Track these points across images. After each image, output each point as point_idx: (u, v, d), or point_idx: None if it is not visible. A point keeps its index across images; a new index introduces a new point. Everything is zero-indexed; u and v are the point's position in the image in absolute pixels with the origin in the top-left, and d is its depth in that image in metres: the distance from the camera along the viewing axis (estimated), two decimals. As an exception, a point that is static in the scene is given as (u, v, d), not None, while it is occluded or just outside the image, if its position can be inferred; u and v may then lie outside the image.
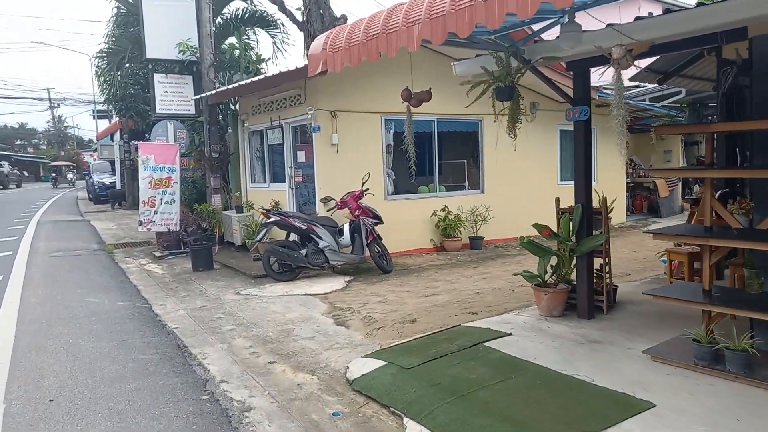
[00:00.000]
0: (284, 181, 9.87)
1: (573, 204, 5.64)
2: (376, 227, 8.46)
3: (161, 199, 10.47)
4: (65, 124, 76.66)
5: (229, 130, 10.90)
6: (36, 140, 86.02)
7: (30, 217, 18.69)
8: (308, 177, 9.83)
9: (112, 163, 27.54)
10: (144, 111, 18.85)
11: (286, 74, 8.26)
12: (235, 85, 9.55)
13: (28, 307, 6.69)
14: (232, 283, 8.06)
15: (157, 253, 10.40)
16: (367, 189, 8.59)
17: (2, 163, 47.02)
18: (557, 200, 6.13)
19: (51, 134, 77.40)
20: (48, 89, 63.63)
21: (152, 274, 8.82)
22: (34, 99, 55.41)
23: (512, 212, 10.82)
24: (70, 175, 48.08)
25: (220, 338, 5.51)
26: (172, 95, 11.33)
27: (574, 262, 5.41)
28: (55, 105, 66.70)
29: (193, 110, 11.50)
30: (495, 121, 4.94)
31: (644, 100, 12.24)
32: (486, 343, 4.67)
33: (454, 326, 5.38)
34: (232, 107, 11.66)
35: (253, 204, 10.12)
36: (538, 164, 11.52)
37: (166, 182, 10.49)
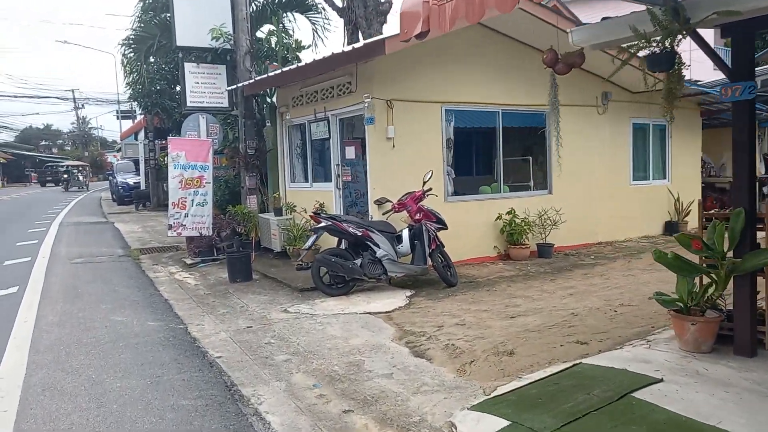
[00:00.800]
0: (329, 181, 8.80)
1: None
2: (438, 233, 7.35)
3: (192, 200, 9.48)
4: (89, 125, 76.99)
5: (268, 123, 9.86)
6: (60, 141, 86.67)
7: (52, 218, 17.93)
8: (358, 176, 8.75)
9: (136, 162, 26.84)
10: (170, 107, 18.02)
11: (339, 57, 7.19)
12: (276, 72, 8.50)
13: (44, 328, 5.70)
14: (277, 297, 7.00)
15: (188, 260, 9.41)
16: (430, 189, 7.47)
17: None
18: (700, 202, 4.91)
19: (75, 135, 77.78)
20: (72, 90, 63.72)
21: (184, 286, 7.81)
22: (58, 99, 55.25)
23: (580, 216, 9.62)
24: (80, 177, 41.40)
25: (275, 373, 4.44)
26: (203, 87, 10.34)
27: (730, 283, 4.22)
28: (80, 106, 66.90)
29: (226, 103, 10.50)
30: (670, 120, 3.75)
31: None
32: (635, 394, 3.51)
33: (574, 364, 4.22)
34: (269, 100, 10.64)
35: (294, 206, 9.06)
36: (607, 162, 10.29)
37: (197, 182, 9.50)
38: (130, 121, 43.24)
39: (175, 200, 9.37)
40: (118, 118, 56.16)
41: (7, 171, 60.04)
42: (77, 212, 21.33)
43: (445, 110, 8.32)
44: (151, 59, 14.13)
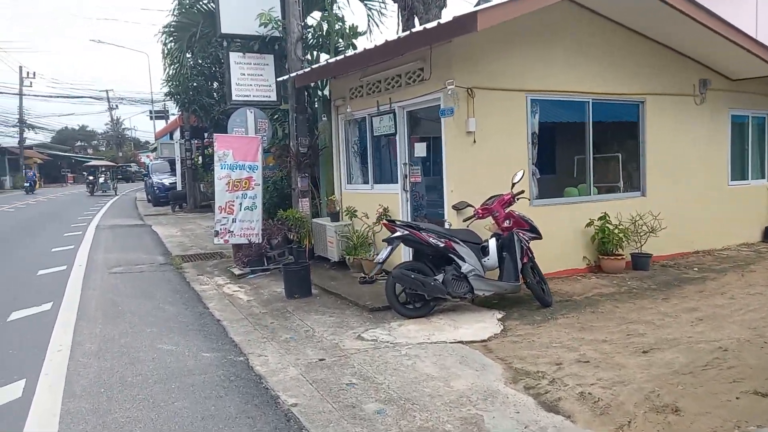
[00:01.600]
0: (394, 182, 7.79)
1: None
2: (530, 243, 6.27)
3: (240, 204, 8.57)
4: (123, 126, 77.81)
5: (324, 118, 8.88)
6: (95, 142, 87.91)
7: (88, 221, 17.36)
8: (429, 177, 7.72)
9: (172, 163, 26.30)
10: (208, 105, 17.27)
11: (413, 38, 6.15)
12: (335, 59, 7.51)
13: (80, 360, 4.81)
14: (345, 318, 6.01)
15: (236, 271, 8.50)
16: (522, 192, 6.39)
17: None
18: None
19: (110, 136, 78.68)
20: (107, 91, 64.26)
21: (236, 302, 6.89)
22: (92, 98, 55.60)
23: (677, 221, 8.39)
24: (102, 179, 34.92)
25: (372, 433, 3.44)
26: (250, 78, 9.43)
27: None
28: (114, 106, 67.48)
29: (274, 97, 9.58)
30: None
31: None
32: None
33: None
34: (320, 93, 9.67)
35: (355, 211, 8.07)
36: (705, 160, 9.04)
37: (246, 183, 8.59)
38: (164, 121, 43.08)
39: (221, 204, 8.48)
40: (151, 118, 56.36)
41: (44, 171, 60.73)
42: (113, 214, 20.80)
43: (531, 100, 7.22)
44: (188, 55, 13.36)
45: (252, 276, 8.32)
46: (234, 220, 8.56)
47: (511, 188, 6.35)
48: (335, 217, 8.46)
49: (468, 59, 6.69)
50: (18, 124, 51.30)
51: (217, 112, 17.20)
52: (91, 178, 34.11)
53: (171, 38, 9.07)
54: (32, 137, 59.15)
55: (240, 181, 8.55)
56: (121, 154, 73.37)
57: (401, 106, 7.48)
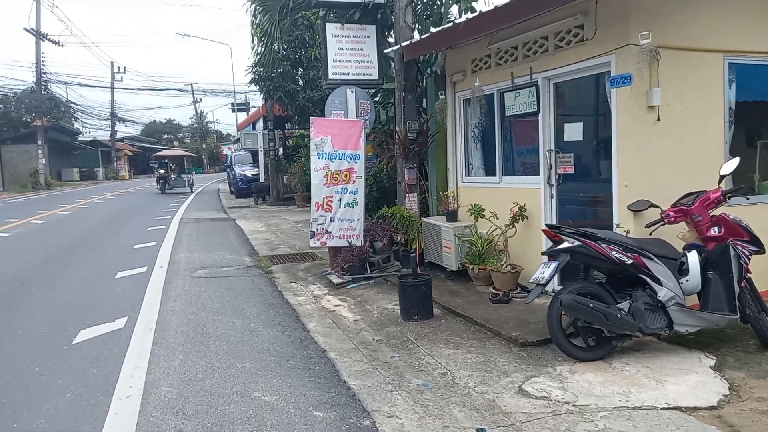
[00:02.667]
0: (532, 173, 6.20)
1: None
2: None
3: (340, 200, 7.27)
4: (206, 119, 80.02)
5: (442, 96, 7.35)
6: (181, 135, 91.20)
7: (173, 213, 16.84)
8: (581, 166, 6.05)
9: (254, 154, 25.76)
10: (293, 91, 16.22)
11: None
12: (466, 18, 5.94)
13: (153, 415, 3.59)
14: (488, 355, 4.51)
15: (334, 279, 7.20)
16: (741, 188, 4.65)
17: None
18: None
19: (194, 128, 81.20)
20: (191, 85, 65.93)
21: (340, 321, 5.56)
22: (178, 91, 56.99)
23: None
24: (175, 174, 29.96)
25: None
26: (348, 54, 8.09)
27: None
28: (198, 99, 69.30)
29: (375, 74, 8.19)
30: None
31: None
32: None
33: None
34: (430, 69, 8.17)
35: (482, 209, 6.52)
36: None
37: (346, 176, 7.26)
38: (245, 113, 43.22)
39: (318, 200, 7.20)
40: (233, 110, 57.13)
41: (134, 163, 63.25)
42: (197, 206, 20.36)
43: (729, 64, 5.38)
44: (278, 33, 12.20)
45: (353, 285, 6.99)
46: (332, 219, 7.26)
47: (719, 182, 4.61)
48: (451, 216, 6.97)
49: (651, 9, 4.97)
50: (110, 117, 53.39)
51: (303, 99, 16.13)
52: (162, 171, 28.28)
53: (261, 8, 7.96)
54: (123, 130, 61.68)
55: (339, 173, 7.23)
56: (204, 146, 75.46)
57: (547, 77, 5.84)
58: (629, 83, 4.90)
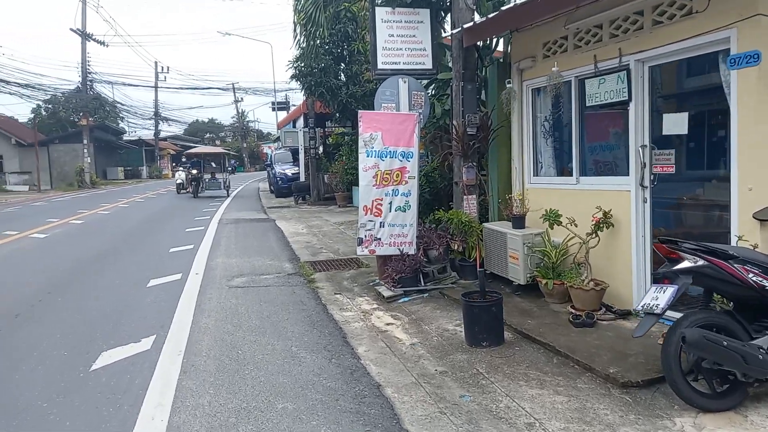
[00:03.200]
0: (621, 173, 5.30)
1: None
2: None
3: (390, 203, 6.49)
4: (247, 118, 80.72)
5: (509, 84, 6.45)
6: (222, 134, 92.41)
7: (212, 213, 16.42)
8: (683, 164, 5.13)
9: (295, 152, 25.29)
10: (335, 87, 15.56)
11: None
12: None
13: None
14: (582, 398, 3.65)
15: (384, 291, 6.43)
16: None
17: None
18: None
19: (235, 127, 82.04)
20: (233, 84, 66.43)
21: (395, 346, 4.78)
22: (219, 89, 57.56)
23: None
24: (209, 175, 25.90)
25: None
26: (399, 41, 7.31)
27: None
28: (239, 99, 69.85)
29: (429, 63, 7.38)
30: None
31: None
32: None
33: None
34: (488, 59, 7.31)
35: (559, 216, 5.62)
36: None
37: (397, 176, 6.48)
38: (285, 112, 43.02)
39: (367, 203, 6.44)
40: (273, 109, 57.14)
41: (176, 162, 64.15)
42: (237, 205, 19.97)
43: None
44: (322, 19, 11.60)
45: (405, 299, 6.21)
46: (382, 224, 6.49)
47: None
48: (518, 222, 6.10)
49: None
50: (154, 116, 54.15)
51: (345, 94, 15.45)
52: (194, 172, 24.11)
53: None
54: (166, 129, 62.61)
55: (390, 173, 6.46)
56: (245, 145, 76.10)
57: (641, 60, 4.93)
58: (757, 62, 3.96)
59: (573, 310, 5.15)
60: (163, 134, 61.02)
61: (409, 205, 6.53)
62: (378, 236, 6.47)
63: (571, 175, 5.88)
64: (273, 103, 59.24)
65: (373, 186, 6.42)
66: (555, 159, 6.31)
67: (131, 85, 74.93)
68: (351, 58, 15.73)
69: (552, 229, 5.67)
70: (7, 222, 15.24)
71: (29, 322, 5.65)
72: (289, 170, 24.09)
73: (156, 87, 52.76)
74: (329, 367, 4.34)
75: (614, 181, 5.35)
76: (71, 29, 33.60)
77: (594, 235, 5.25)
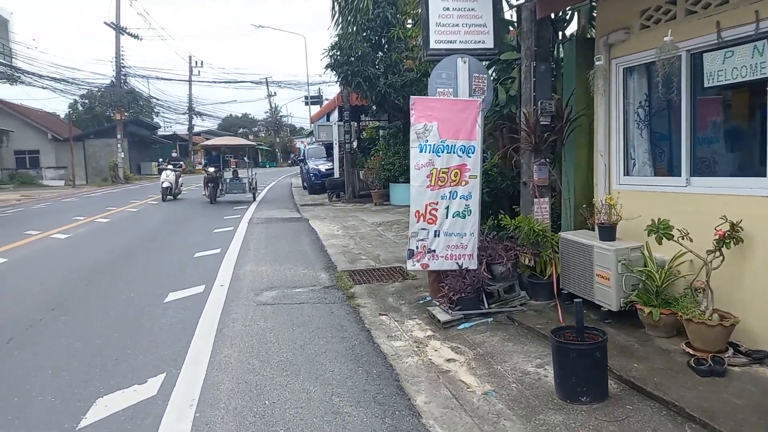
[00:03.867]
0: (756, 173, 4.10)
1: None
2: None
3: (447, 208, 5.42)
4: (280, 113, 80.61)
5: (599, 62, 5.25)
6: (256, 128, 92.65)
7: (242, 212, 15.61)
8: (717, 159, 3.92)
9: (329, 147, 24.39)
10: (373, 77, 14.49)
11: None
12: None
13: None
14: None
15: (440, 314, 5.35)
16: None
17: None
18: None
19: (268, 122, 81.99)
20: (266, 78, 66.15)
21: (465, 399, 3.71)
22: (251, 83, 57.42)
23: None
24: (231, 172, 21.17)
25: None
26: (456, 15, 6.18)
27: None
28: (272, 93, 69.61)
29: (490, 42, 6.24)
30: None
31: None
32: None
33: None
34: (561, 36, 6.14)
35: (669, 226, 4.45)
36: None
37: (456, 175, 5.40)
38: (318, 106, 42.27)
39: (419, 207, 5.38)
40: (306, 103, 56.52)
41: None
42: (268, 202, 19.18)
43: None
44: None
45: (466, 325, 5.13)
46: (437, 233, 5.42)
47: None
48: (607, 233, 4.95)
49: None
50: (188, 111, 54.14)
51: (383, 84, 14.36)
52: (211, 170, 19.18)
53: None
54: (200, 124, 62.70)
55: (448, 171, 5.37)
56: (278, 139, 75.94)
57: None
58: None
59: (690, 350, 4.00)
60: (197, 129, 61.10)
61: (470, 210, 5.45)
62: (432, 247, 5.41)
63: (677, 174, 4.69)
64: (306, 98, 58.61)
65: (428, 187, 5.35)
66: (653, 155, 5.13)
67: (164, 79, 75.45)
68: (390, 45, 14.65)
69: (660, 243, 4.50)
70: (33, 220, 14.73)
71: (21, 350, 4.78)
72: (323, 166, 23.19)
73: (190, 81, 52.69)
74: (381, 428, 3.30)
75: (744, 184, 4.15)
76: (105, 23, 33.42)
77: (717, 254, 4.08)
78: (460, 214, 5.42)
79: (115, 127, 36.98)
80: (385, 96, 14.41)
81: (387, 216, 13.72)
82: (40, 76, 32.52)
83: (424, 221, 5.37)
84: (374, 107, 18.00)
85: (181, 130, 58.35)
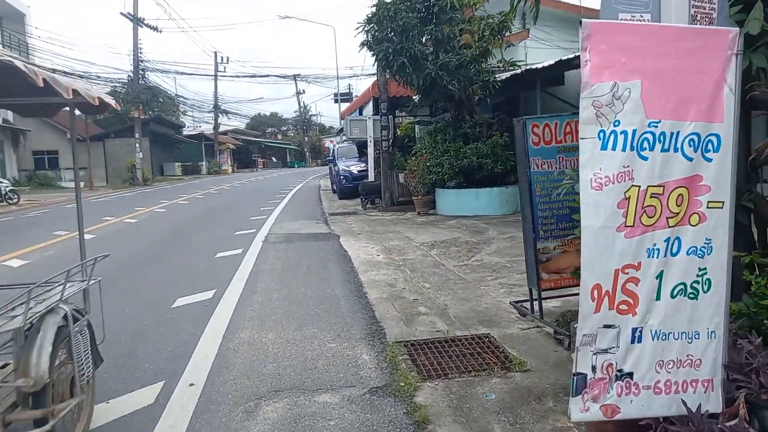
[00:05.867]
0: None
1: None
2: None
3: (660, 275, 2.33)
4: (309, 112, 78.40)
5: None
6: (284, 128, 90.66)
7: (259, 225, 12.79)
8: None
9: (360, 146, 21.50)
10: (420, 56, 11.52)
11: None
12: None
13: None
14: None
15: None
16: None
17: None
18: None
19: (297, 121, 79.80)
20: (294, 76, 63.89)
21: None
22: (277, 77, 55.04)
23: None
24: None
25: None
26: None
27: None
28: (301, 91, 67.26)
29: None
30: None
31: None
32: None
33: None
34: None
35: None
36: None
37: (678, 202, 2.32)
38: (347, 103, 39.48)
39: (601, 276, 2.32)
40: (336, 100, 53.79)
41: (237, 157, 62.12)
42: (293, 210, 16.38)
43: None
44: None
45: None
46: (636, 335, 2.38)
47: None
48: None
49: None
50: (213, 109, 51.98)
51: (433, 65, 11.37)
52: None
53: None
54: (226, 123, 60.61)
55: (662, 192, 2.34)
56: (307, 138, 73.63)
57: None
58: None
59: None
60: (223, 128, 59.05)
61: (708, 281, 2.40)
62: (626, 367, 2.38)
63: None
64: (335, 95, 55.88)
65: (619, 230, 2.32)
66: None
67: (186, 74, 73.20)
68: (441, 16, 11.65)
69: None
70: (9, 233, 12.20)
71: None
72: (355, 167, 20.30)
73: (216, 77, 50.51)
74: None
75: None
76: (122, 13, 31.19)
77: None
78: (689, 290, 2.38)
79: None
80: (435, 80, 11.40)
81: (438, 231, 10.74)
82: (65, 73, 30.34)
83: (610, 308, 2.34)
84: (417, 97, 15.04)
85: (208, 129, 56.30)
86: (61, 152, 39.86)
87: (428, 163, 13.81)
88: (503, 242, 9.23)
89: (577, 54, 4.89)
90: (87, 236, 11.07)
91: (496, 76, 12.08)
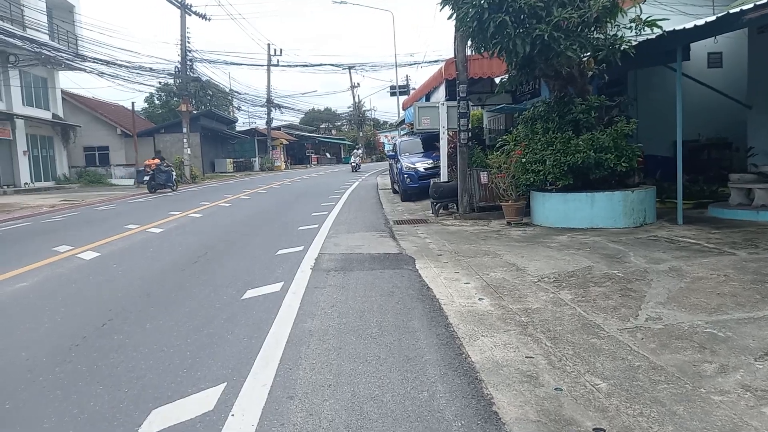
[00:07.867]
0: None
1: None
2: None
3: None
4: (363, 107, 76.02)
5: None
6: (339, 123, 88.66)
7: (310, 238, 10.02)
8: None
9: (426, 140, 18.52)
10: (529, 12, 8.40)
11: None
12: None
13: None
14: None
15: None
16: None
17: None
18: None
19: (351, 115, 77.59)
20: (349, 68, 61.35)
21: None
22: (331, 66, 52.50)
23: None
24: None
25: None
26: None
27: None
28: (356, 84, 64.79)
29: None
30: None
31: None
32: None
33: None
34: None
35: None
36: None
37: None
38: (404, 97, 36.48)
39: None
40: (392, 93, 50.69)
41: (291, 152, 60.32)
42: (349, 216, 13.58)
43: None
44: None
45: None
46: None
47: None
48: None
49: None
50: (266, 104, 50.16)
51: (548, 25, 8.22)
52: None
53: None
54: (279, 118, 58.87)
55: None
56: (361, 134, 71.29)
57: None
58: None
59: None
60: (276, 123, 57.32)
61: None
62: None
63: None
64: (392, 87, 52.78)
65: None
66: None
67: (235, 64, 71.51)
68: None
69: None
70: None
71: None
72: (421, 164, 17.35)
73: (269, 69, 48.55)
74: None
75: None
76: (169, 1, 29.31)
77: None
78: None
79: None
80: (549, 45, 8.24)
81: (553, 255, 7.61)
82: (83, 59, 28.77)
83: None
84: (506, 77, 11.94)
85: (262, 124, 54.66)
86: (111, 148, 38.76)
87: (524, 160, 10.71)
88: (666, 279, 6.04)
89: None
90: (85, 258, 8.58)
91: (629, 40, 8.82)
